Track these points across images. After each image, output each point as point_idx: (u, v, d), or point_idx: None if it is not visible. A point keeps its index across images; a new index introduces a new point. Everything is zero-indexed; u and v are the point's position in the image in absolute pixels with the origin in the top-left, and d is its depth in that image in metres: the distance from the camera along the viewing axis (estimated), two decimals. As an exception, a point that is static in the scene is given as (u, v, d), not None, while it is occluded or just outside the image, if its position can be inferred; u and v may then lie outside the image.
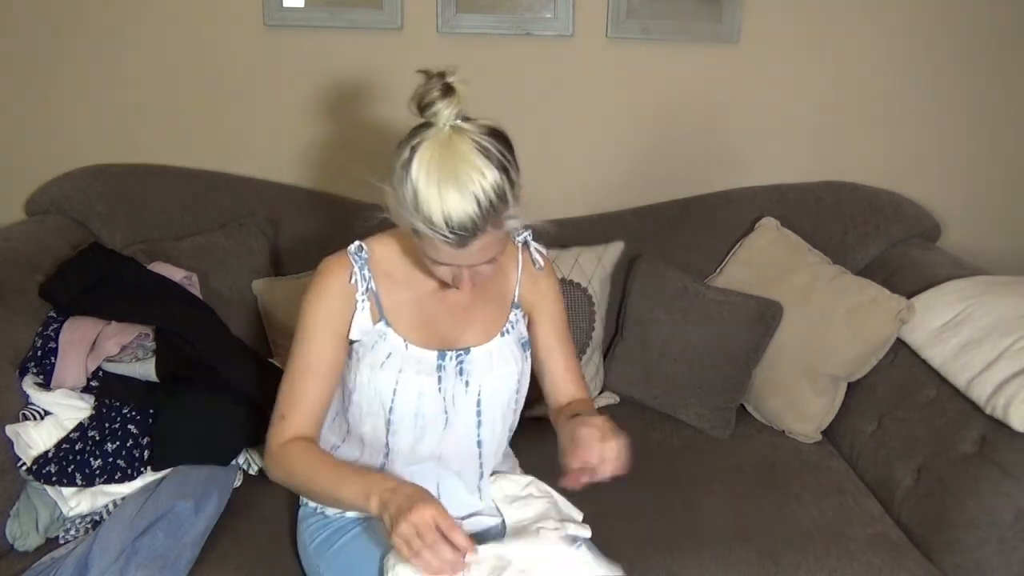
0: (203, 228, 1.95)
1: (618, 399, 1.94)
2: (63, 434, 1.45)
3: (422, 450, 1.24)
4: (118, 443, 1.46)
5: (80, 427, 1.47)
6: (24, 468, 1.42)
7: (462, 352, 1.23)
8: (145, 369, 1.54)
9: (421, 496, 1.03)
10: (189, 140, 2.08)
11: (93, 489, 1.43)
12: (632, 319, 1.94)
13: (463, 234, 1.02)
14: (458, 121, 1.04)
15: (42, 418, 1.45)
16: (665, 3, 2.03)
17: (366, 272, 1.19)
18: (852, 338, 1.72)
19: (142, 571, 1.26)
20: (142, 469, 1.47)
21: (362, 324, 1.19)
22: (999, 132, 2.17)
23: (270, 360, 1.75)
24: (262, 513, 1.46)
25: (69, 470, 1.41)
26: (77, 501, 1.42)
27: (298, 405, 1.19)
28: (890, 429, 1.64)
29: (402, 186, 1.04)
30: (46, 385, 1.50)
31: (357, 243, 1.21)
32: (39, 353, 1.52)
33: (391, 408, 1.19)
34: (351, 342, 1.22)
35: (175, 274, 1.73)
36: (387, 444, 1.23)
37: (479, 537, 1.30)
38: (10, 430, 1.42)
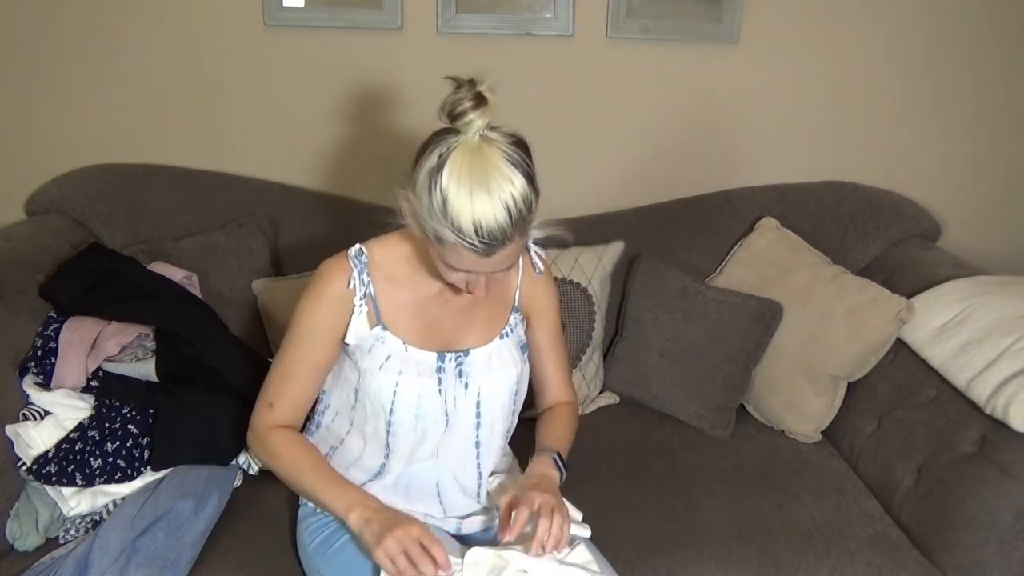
0: (203, 228, 1.95)
1: (618, 399, 1.94)
2: (63, 434, 1.45)
3: (422, 451, 1.24)
4: (118, 443, 1.46)
5: (80, 427, 1.47)
6: (24, 468, 1.41)
7: (461, 354, 1.23)
8: (145, 369, 1.54)
9: (404, 516, 1.14)
10: (189, 140, 2.08)
11: (93, 489, 1.43)
12: (632, 319, 1.94)
13: (492, 243, 1.02)
14: (486, 131, 1.04)
15: (42, 418, 1.45)
16: (665, 3, 2.03)
17: (365, 276, 1.20)
18: (852, 338, 1.72)
19: (142, 571, 1.26)
20: (142, 469, 1.47)
21: (359, 329, 1.20)
22: (999, 132, 2.17)
23: (270, 360, 1.75)
24: (262, 513, 1.46)
25: (69, 470, 1.41)
26: (77, 501, 1.42)
27: (285, 398, 1.24)
28: (890, 429, 1.64)
29: (429, 193, 1.03)
30: (46, 385, 1.50)
31: (357, 247, 1.21)
32: (39, 353, 1.52)
33: (391, 410, 1.20)
34: (346, 345, 1.22)
35: (175, 274, 1.73)
36: (387, 445, 1.23)
37: (478, 537, 1.31)
38: (10, 430, 1.42)
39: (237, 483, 1.51)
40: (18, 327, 1.53)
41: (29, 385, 1.48)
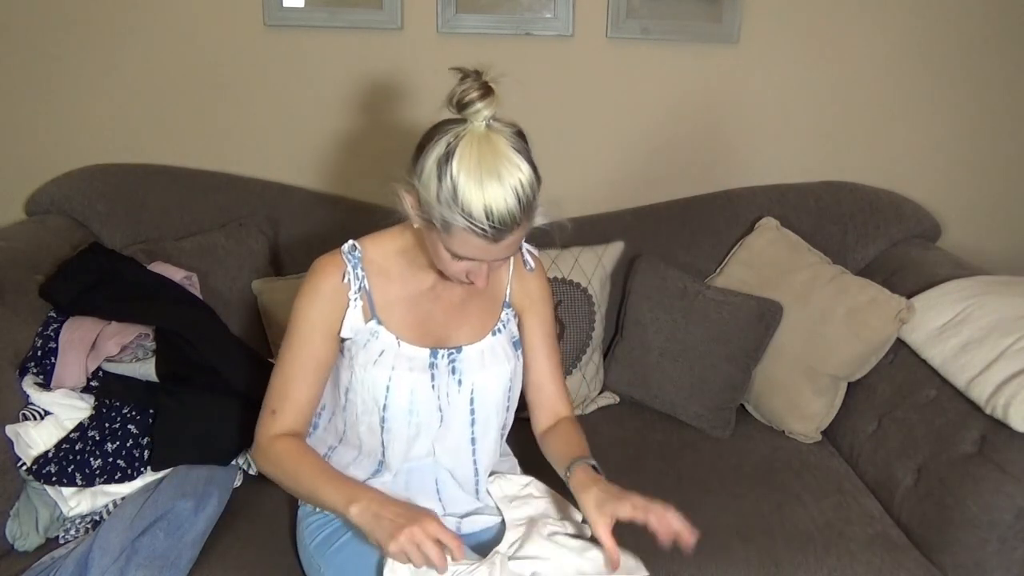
0: (203, 228, 1.95)
1: (618, 399, 1.94)
2: (63, 434, 1.45)
3: (417, 448, 1.25)
4: (118, 443, 1.46)
5: (80, 427, 1.47)
6: (24, 468, 1.42)
7: (454, 350, 1.24)
8: (145, 369, 1.54)
9: (416, 508, 1.11)
10: (189, 140, 2.08)
11: (93, 489, 1.43)
12: (632, 319, 1.94)
13: (502, 228, 1.04)
14: (491, 120, 1.06)
15: (42, 418, 1.45)
16: (665, 3, 2.03)
17: (359, 271, 1.20)
18: (852, 338, 1.72)
19: (142, 571, 1.26)
20: (142, 469, 1.47)
21: (354, 322, 1.20)
22: (999, 132, 2.17)
23: (270, 360, 1.75)
24: (262, 513, 1.46)
25: (69, 470, 1.41)
26: (77, 501, 1.42)
27: (288, 401, 1.22)
28: (890, 429, 1.64)
29: (439, 181, 1.04)
30: (46, 385, 1.50)
31: (350, 242, 1.22)
32: (39, 353, 1.52)
33: (384, 405, 1.20)
34: (342, 340, 1.23)
35: (175, 274, 1.73)
36: (382, 443, 1.23)
37: (478, 537, 1.31)
38: (10, 430, 1.42)
39: (237, 483, 1.51)
40: (18, 327, 1.53)
41: (29, 385, 1.48)
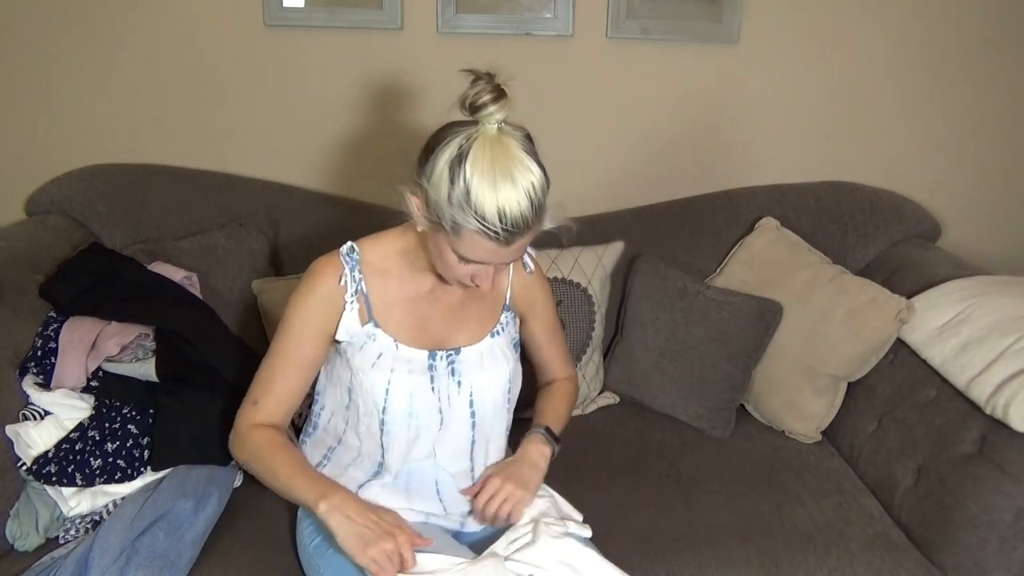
0: (203, 228, 1.95)
1: (618, 399, 1.94)
2: (63, 434, 1.45)
3: (417, 450, 1.24)
4: (118, 443, 1.46)
5: (80, 427, 1.47)
6: (24, 468, 1.41)
7: (452, 352, 1.24)
8: (145, 369, 1.54)
9: (388, 517, 1.16)
10: (189, 140, 2.08)
11: (93, 489, 1.43)
12: (632, 319, 1.94)
13: (514, 231, 1.04)
14: (503, 123, 1.06)
15: (42, 418, 1.45)
16: (665, 3, 2.03)
17: (356, 273, 1.20)
18: (852, 338, 1.72)
19: (142, 571, 1.26)
20: (142, 469, 1.47)
21: (350, 325, 1.20)
22: (999, 132, 2.17)
23: (270, 360, 1.75)
24: (262, 513, 1.46)
25: (69, 470, 1.41)
26: (77, 501, 1.42)
27: (272, 394, 1.23)
28: (890, 429, 1.64)
29: (450, 184, 1.03)
30: (46, 385, 1.50)
31: (349, 244, 1.22)
32: (39, 353, 1.52)
33: (384, 408, 1.20)
34: (338, 343, 1.22)
35: (175, 274, 1.73)
36: (382, 445, 1.23)
37: (478, 536, 1.30)
38: (10, 430, 1.42)
39: (237, 483, 1.51)
40: (18, 327, 1.53)
41: (29, 385, 1.48)
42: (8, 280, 1.58)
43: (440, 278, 1.22)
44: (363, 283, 1.20)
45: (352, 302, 1.19)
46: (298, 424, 1.56)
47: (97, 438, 1.45)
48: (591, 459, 1.69)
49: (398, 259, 1.23)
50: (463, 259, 1.10)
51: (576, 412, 1.87)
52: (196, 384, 1.54)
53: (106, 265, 1.64)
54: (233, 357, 1.59)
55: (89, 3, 1.97)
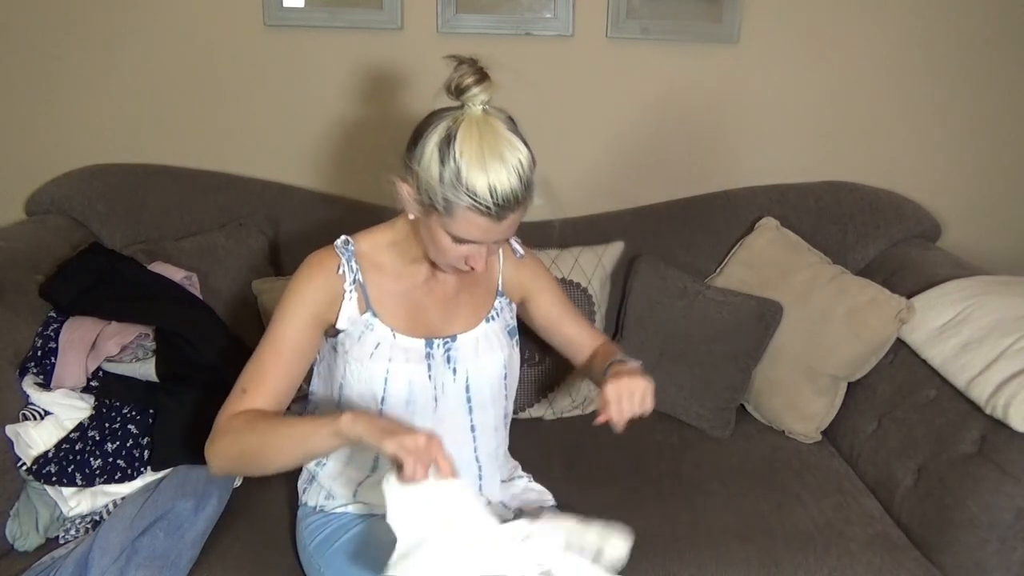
0: (203, 228, 1.95)
1: (618, 399, 1.93)
2: (63, 434, 1.45)
3: None
4: (118, 443, 1.46)
5: (80, 427, 1.47)
6: (24, 468, 1.42)
7: (448, 340, 1.25)
8: (145, 369, 1.54)
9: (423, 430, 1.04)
10: (189, 140, 2.08)
11: (93, 489, 1.43)
12: (632, 319, 1.94)
13: (505, 206, 1.06)
14: (487, 105, 1.09)
15: (42, 418, 1.45)
16: (665, 3, 2.03)
17: (353, 264, 1.21)
18: (852, 338, 1.72)
19: (142, 571, 1.26)
20: (142, 469, 1.47)
21: (350, 313, 1.21)
22: (999, 132, 2.17)
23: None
24: (262, 513, 1.46)
25: (69, 470, 1.41)
26: (77, 501, 1.42)
27: (262, 382, 1.16)
28: (890, 429, 1.64)
29: (440, 164, 1.06)
30: (46, 385, 1.50)
31: (343, 237, 1.23)
32: (39, 353, 1.52)
33: (383, 398, 1.21)
34: (337, 332, 1.23)
35: (175, 274, 1.73)
36: None
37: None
38: (10, 430, 1.42)
39: (237, 483, 1.51)
40: (18, 327, 1.53)
41: (29, 385, 1.48)
42: (8, 280, 1.58)
43: (433, 267, 1.23)
44: (360, 274, 1.21)
45: (351, 291, 1.20)
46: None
47: (97, 438, 1.45)
48: (591, 459, 1.69)
49: (390, 251, 1.25)
50: (457, 240, 1.11)
51: (576, 412, 1.87)
52: (196, 384, 1.54)
53: (106, 265, 1.64)
54: (233, 357, 1.59)
55: (89, 3, 1.97)
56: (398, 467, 0.99)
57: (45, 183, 1.94)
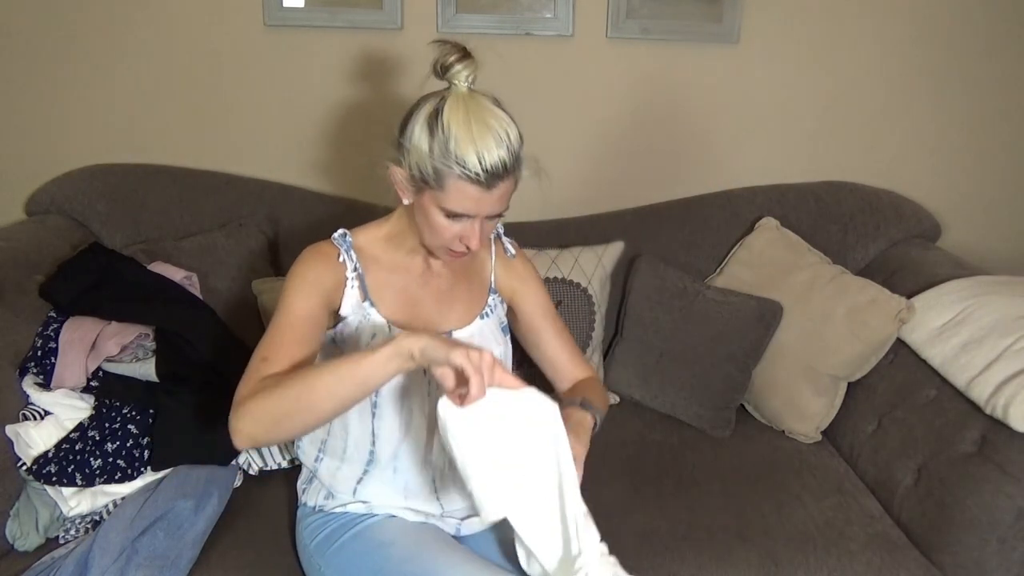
0: (203, 228, 1.95)
1: (618, 399, 1.94)
2: (63, 434, 1.45)
3: (411, 440, 1.25)
4: (118, 443, 1.46)
5: (80, 427, 1.47)
6: (24, 468, 1.42)
7: (444, 335, 1.24)
8: (145, 369, 1.54)
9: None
10: (189, 140, 2.08)
11: (93, 489, 1.43)
12: (632, 319, 1.94)
13: (494, 173, 1.08)
14: (472, 84, 1.12)
15: (42, 418, 1.45)
16: (665, 3, 2.03)
17: (352, 254, 1.22)
18: (852, 338, 1.72)
19: (142, 571, 1.26)
20: (142, 469, 1.47)
21: (352, 299, 1.21)
22: (998, 132, 2.17)
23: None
24: (262, 513, 1.46)
25: (69, 470, 1.41)
26: (77, 501, 1.42)
27: (281, 348, 1.11)
28: (890, 429, 1.64)
29: (429, 136, 1.09)
30: (46, 385, 1.50)
31: (341, 231, 1.24)
32: (39, 353, 1.52)
33: (377, 391, 1.20)
34: (336, 322, 1.23)
35: (175, 274, 1.73)
36: (373, 431, 1.24)
37: (479, 539, 1.30)
38: (10, 430, 1.42)
39: (237, 483, 1.51)
40: (18, 327, 1.53)
41: (29, 385, 1.48)
42: (8, 280, 1.58)
43: (430, 255, 1.24)
44: (359, 264, 1.22)
45: (352, 279, 1.21)
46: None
47: (97, 438, 1.46)
48: (591, 459, 1.68)
49: (386, 244, 1.26)
50: (450, 215, 1.12)
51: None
52: (196, 384, 1.54)
53: (106, 265, 1.64)
54: (233, 357, 1.59)
55: (89, 4, 1.97)
56: (452, 388, 0.96)
57: (45, 183, 1.94)
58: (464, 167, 1.07)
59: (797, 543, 1.44)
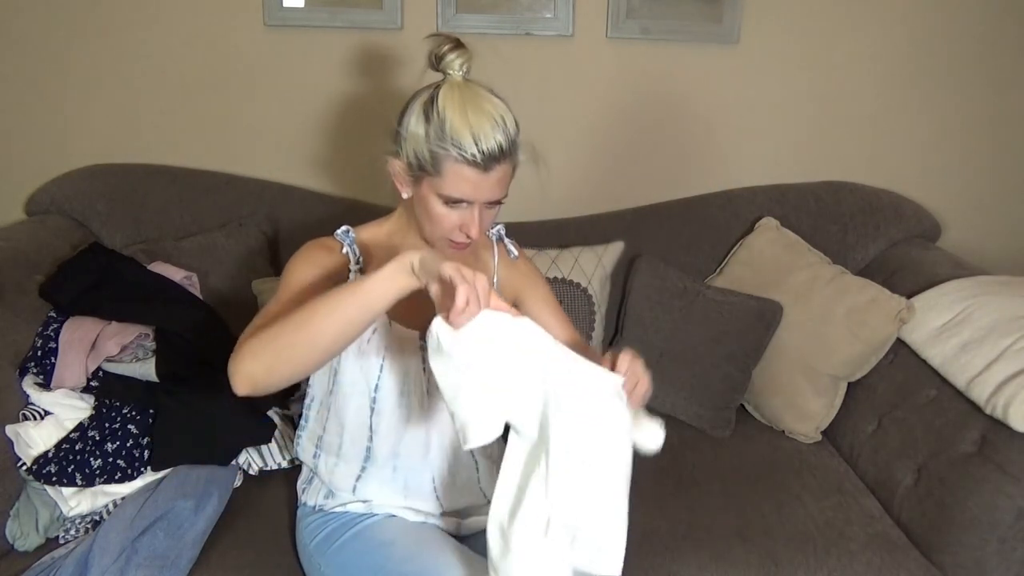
0: (203, 228, 1.95)
1: (618, 399, 1.93)
2: (63, 434, 1.45)
3: (408, 436, 1.25)
4: (118, 443, 1.46)
5: (80, 427, 1.47)
6: (24, 468, 1.42)
7: None
8: (145, 369, 1.54)
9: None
10: (189, 140, 2.08)
11: (93, 489, 1.43)
12: (632, 319, 1.94)
13: (490, 155, 1.08)
14: (467, 73, 1.13)
15: (42, 418, 1.46)
16: (665, 3, 2.03)
17: (355, 248, 1.22)
18: (852, 338, 1.72)
19: (142, 571, 1.26)
20: (142, 469, 1.47)
21: None
22: (999, 132, 2.17)
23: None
24: (262, 513, 1.46)
25: (69, 470, 1.41)
26: (77, 501, 1.42)
27: (287, 308, 1.06)
28: (890, 429, 1.64)
29: (426, 123, 1.10)
30: (46, 385, 1.50)
31: (344, 227, 1.24)
32: (39, 353, 1.52)
33: (376, 386, 1.21)
34: None
35: (175, 274, 1.73)
36: (370, 427, 1.24)
37: (479, 539, 1.30)
38: (10, 430, 1.42)
39: (237, 483, 1.51)
40: (18, 327, 1.53)
41: (29, 385, 1.48)
42: (8, 280, 1.58)
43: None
44: (361, 259, 1.22)
45: (354, 272, 1.21)
46: (296, 422, 1.55)
47: (97, 438, 1.46)
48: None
49: (387, 241, 1.26)
50: (448, 202, 1.12)
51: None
52: (196, 384, 1.54)
53: (106, 265, 1.64)
54: (233, 357, 1.59)
55: (89, 4, 1.97)
56: (445, 304, 0.95)
57: (45, 183, 1.94)
58: (460, 148, 1.07)
59: (797, 543, 1.44)
